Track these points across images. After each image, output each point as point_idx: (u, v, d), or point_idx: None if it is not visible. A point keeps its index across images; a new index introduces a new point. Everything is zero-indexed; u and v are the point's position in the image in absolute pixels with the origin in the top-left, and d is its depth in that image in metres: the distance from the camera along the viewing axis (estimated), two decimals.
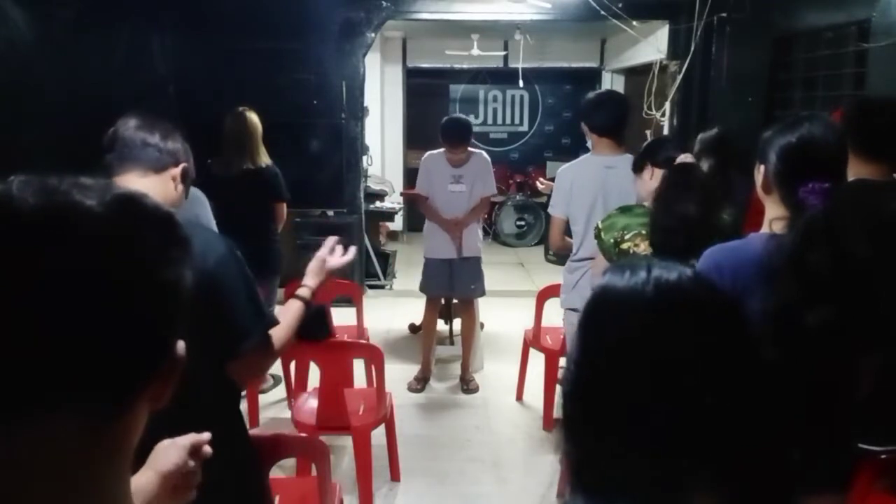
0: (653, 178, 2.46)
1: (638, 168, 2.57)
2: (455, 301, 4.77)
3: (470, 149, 4.32)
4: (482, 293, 4.52)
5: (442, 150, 4.33)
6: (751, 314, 0.75)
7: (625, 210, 2.50)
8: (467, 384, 4.43)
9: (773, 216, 1.67)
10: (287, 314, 1.72)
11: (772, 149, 1.67)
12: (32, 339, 0.53)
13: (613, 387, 0.66)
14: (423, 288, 4.53)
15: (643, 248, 2.37)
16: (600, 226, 2.50)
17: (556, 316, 4.15)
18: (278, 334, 1.66)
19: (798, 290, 1.29)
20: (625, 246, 2.41)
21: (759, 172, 1.71)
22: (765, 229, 1.69)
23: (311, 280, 1.84)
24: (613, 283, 0.71)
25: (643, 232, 2.37)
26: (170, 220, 0.62)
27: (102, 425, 0.58)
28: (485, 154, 4.43)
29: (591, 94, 3.47)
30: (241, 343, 1.52)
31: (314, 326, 1.91)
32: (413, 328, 5.37)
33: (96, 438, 0.58)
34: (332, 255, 1.90)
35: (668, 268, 0.71)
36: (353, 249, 1.95)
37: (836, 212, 1.40)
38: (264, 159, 3.97)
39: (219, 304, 1.47)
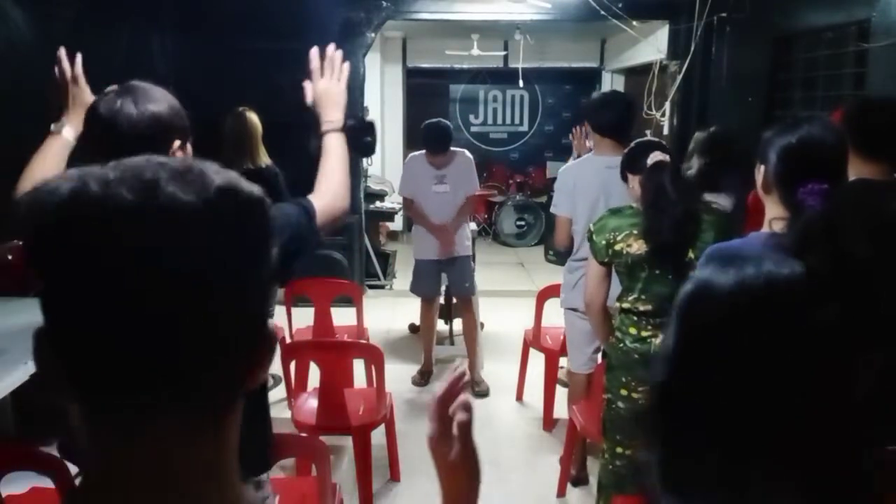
0: (637, 184, 2.50)
1: (623, 177, 2.62)
2: (455, 301, 4.77)
3: (452, 148, 4.33)
4: (473, 291, 4.51)
5: (423, 151, 4.36)
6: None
7: (615, 212, 2.53)
8: (477, 385, 4.37)
9: (773, 216, 1.68)
10: (330, 154, 1.63)
11: (772, 149, 1.67)
12: (168, 338, 0.52)
13: (718, 385, 0.64)
14: (414, 289, 4.54)
15: (636, 247, 2.40)
16: (592, 228, 2.54)
17: (556, 316, 4.15)
18: (332, 181, 1.59)
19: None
20: (618, 247, 2.43)
21: (760, 172, 1.72)
22: (765, 229, 1.70)
23: (330, 113, 1.66)
24: (716, 278, 0.67)
25: (634, 232, 2.41)
26: (264, 204, 0.60)
27: (225, 415, 0.60)
28: (467, 153, 4.43)
29: (595, 94, 3.48)
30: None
31: (362, 139, 1.80)
32: (413, 328, 5.37)
33: (221, 428, 0.59)
34: (326, 74, 1.67)
35: (779, 263, 0.67)
36: (341, 57, 1.70)
37: (837, 212, 1.40)
38: (264, 159, 3.98)
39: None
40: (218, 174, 0.57)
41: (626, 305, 2.47)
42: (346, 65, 1.68)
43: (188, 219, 0.53)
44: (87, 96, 1.79)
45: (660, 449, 0.68)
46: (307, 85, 1.67)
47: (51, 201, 0.52)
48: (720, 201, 3.06)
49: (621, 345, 2.46)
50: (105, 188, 0.52)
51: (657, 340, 2.40)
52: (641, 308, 2.43)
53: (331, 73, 1.66)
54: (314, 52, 1.65)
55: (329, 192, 1.60)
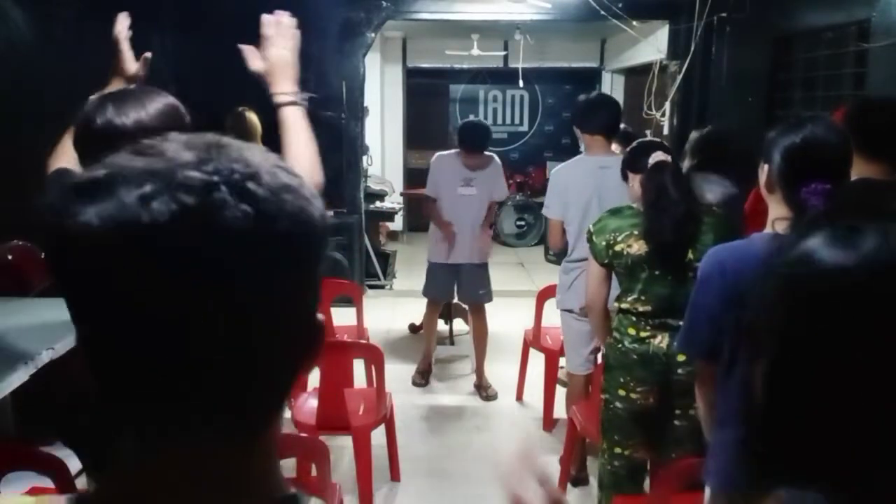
0: (637, 184, 2.51)
1: (624, 176, 2.62)
2: (455, 301, 4.75)
3: (486, 153, 4.28)
4: (490, 299, 4.47)
5: (454, 151, 4.30)
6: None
7: (614, 212, 2.53)
8: (486, 391, 4.33)
9: (776, 216, 1.69)
10: (292, 131, 1.50)
11: (776, 149, 1.68)
12: (199, 351, 0.50)
13: (833, 373, 0.59)
14: (427, 292, 4.48)
15: (636, 248, 2.40)
16: (592, 229, 2.53)
17: (556, 316, 4.15)
18: (303, 161, 1.48)
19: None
20: (618, 248, 2.43)
21: (763, 172, 1.72)
22: (768, 229, 1.70)
23: (284, 84, 1.53)
24: (826, 254, 0.61)
25: (635, 233, 2.41)
26: (322, 231, 0.57)
27: (264, 424, 0.59)
28: (497, 159, 4.37)
29: (581, 98, 3.52)
30: None
31: (323, 113, 1.74)
32: (413, 328, 5.37)
33: (256, 438, 0.59)
34: (279, 42, 1.54)
35: None
36: (294, 24, 1.57)
37: (838, 212, 1.40)
38: None
39: None
40: (273, 195, 0.52)
41: (625, 306, 2.47)
42: (297, 32, 1.56)
43: (228, 243, 0.49)
44: (129, 64, 1.73)
45: (774, 441, 0.63)
46: (247, 49, 1.56)
47: (80, 216, 0.48)
48: (714, 188, 3.04)
49: (619, 345, 2.46)
50: (140, 203, 0.48)
51: (656, 341, 2.40)
52: (641, 309, 2.43)
53: (283, 41, 1.54)
54: (267, 18, 1.55)
55: (303, 175, 1.56)
